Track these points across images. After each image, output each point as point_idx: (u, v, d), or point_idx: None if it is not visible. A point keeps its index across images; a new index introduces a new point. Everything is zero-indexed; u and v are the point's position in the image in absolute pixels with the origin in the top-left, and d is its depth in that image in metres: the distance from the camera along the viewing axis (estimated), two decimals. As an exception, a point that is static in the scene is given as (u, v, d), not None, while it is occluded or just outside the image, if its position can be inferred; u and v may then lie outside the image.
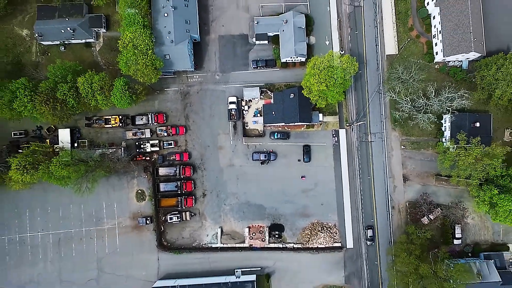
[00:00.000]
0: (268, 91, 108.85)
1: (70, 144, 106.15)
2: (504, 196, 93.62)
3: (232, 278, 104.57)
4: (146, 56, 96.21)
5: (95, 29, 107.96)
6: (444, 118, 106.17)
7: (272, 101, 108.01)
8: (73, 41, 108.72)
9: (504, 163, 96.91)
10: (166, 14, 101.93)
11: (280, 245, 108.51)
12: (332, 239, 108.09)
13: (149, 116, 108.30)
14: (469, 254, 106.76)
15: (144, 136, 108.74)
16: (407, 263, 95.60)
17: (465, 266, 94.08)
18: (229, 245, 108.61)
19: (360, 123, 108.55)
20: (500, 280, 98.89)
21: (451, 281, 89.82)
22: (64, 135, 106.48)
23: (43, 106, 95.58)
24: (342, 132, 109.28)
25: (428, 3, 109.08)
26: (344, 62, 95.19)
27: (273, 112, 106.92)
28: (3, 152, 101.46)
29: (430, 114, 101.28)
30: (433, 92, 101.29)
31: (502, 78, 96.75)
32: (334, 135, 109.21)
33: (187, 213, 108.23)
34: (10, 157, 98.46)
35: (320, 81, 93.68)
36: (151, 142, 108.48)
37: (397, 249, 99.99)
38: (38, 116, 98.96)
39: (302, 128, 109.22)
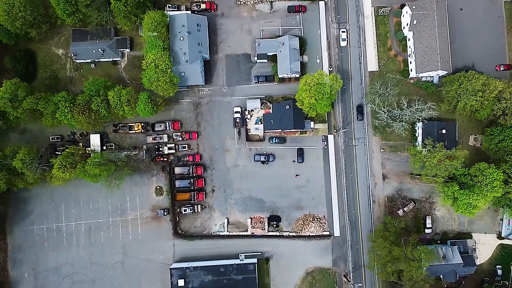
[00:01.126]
0: (268, 103, 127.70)
1: (100, 147, 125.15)
2: (464, 191, 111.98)
3: (236, 261, 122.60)
4: (165, 74, 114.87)
5: (121, 49, 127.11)
6: (417, 125, 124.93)
7: (271, 111, 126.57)
8: (102, 60, 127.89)
9: (463, 164, 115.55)
10: (182, 38, 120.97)
11: (278, 233, 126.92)
12: (321, 228, 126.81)
13: (167, 123, 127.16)
14: (438, 241, 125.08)
15: (162, 141, 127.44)
16: (382, 247, 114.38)
17: (428, 249, 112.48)
18: (234, 233, 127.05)
19: (345, 129, 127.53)
20: (462, 262, 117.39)
21: (418, 261, 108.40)
22: (95, 139, 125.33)
23: (81, 115, 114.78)
24: (330, 137, 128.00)
25: (404, 27, 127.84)
26: (330, 79, 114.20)
27: (272, 120, 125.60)
28: (46, 154, 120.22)
29: (404, 123, 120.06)
30: (406, 104, 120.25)
31: (463, 93, 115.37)
32: (324, 140, 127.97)
33: (199, 206, 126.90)
34: (52, 158, 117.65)
35: (311, 96, 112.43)
36: (168, 145, 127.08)
37: (376, 236, 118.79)
38: (75, 123, 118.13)
39: (296, 134, 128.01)
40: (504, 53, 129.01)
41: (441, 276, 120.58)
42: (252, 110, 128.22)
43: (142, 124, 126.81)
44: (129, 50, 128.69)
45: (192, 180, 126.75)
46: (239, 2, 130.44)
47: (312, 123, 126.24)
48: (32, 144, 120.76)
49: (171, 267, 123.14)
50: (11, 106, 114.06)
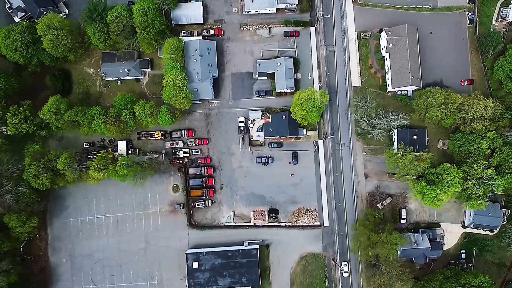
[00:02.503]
0: (267, 113, 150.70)
1: (126, 152, 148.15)
2: (430, 187, 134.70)
3: (241, 247, 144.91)
4: (182, 91, 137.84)
5: (143, 69, 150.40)
6: (393, 132, 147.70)
7: (270, 120, 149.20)
8: (127, 78, 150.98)
9: (431, 164, 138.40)
10: (195, 60, 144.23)
11: (276, 224, 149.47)
12: (313, 219, 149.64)
13: (182, 131, 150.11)
14: (412, 230, 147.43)
15: (178, 146, 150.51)
16: (363, 234, 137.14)
17: (400, 235, 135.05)
18: (239, 224, 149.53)
19: (333, 136, 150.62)
20: (430, 246, 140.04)
21: (391, 244, 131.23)
22: (121, 145, 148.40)
23: (112, 125, 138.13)
24: (320, 142, 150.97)
25: (382, 49, 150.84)
26: (319, 95, 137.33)
27: (271, 128, 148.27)
28: (81, 157, 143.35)
29: (381, 130, 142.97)
30: (382, 114, 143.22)
31: (429, 105, 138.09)
32: (315, 145, 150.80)
33: (209, 201, 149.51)
34: (88, 161, 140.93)
35: (303, 108, 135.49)
36: (183, 150, 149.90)
37: (358, 225, 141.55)
38: (107, 132, 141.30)
39: (292, 140, 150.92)
40: (468, 70, 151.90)
41: (413, 259, 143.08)
42: (254, 120, 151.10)
43: (162, 132, 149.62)
44: (150, 70, 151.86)
45: (203, 179, 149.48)
46: (242, 28, 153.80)
47: (304, 130, 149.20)
48: (71, 150, 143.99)
49: (186, 252, 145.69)
50: (54, 118, 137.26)
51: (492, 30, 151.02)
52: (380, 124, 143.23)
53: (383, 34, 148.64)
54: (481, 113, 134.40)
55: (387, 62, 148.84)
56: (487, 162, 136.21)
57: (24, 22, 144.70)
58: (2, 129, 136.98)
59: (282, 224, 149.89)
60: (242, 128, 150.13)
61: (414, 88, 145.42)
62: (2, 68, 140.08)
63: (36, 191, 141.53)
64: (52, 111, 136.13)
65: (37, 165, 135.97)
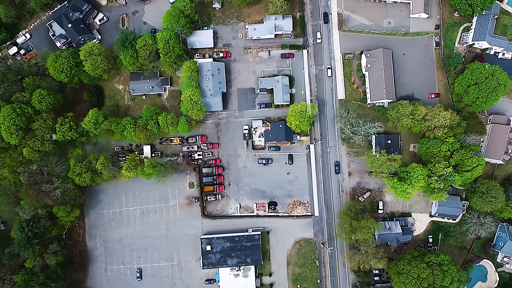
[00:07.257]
0: (267, 122, 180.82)
1: (150, 155, 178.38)
2: (400, 183, 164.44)
3: (246, 233, 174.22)
4: (197, 104, 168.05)
5: (164, 85, 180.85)
6: (372, 137, 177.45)
7: (269, 128, 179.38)
8: (151, 93, 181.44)
9: (403, 164, 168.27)
10: (207, 79, 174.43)
11: (275, 214, 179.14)
12: (305, 210, 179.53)
13: (197, 137, 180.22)
14: (387, 219, 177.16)
15: (193, 149, 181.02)
16: (346, 222, 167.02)
17: (374, 221, 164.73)
18: (244, 214, 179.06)
19: (321, 141, 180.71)
20: (401, 231, 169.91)
21: (367, 228, 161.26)
22: (146, 149, 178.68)
23: (140, 133, 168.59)
24: (311, 146, 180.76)
25: (362, 68, 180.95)
26: (309, 108, 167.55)
27: (270, 135, 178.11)
28: (114, 159, 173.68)
29: (361, 136, 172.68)
30: (361, 123, 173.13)
31: (400, 116, 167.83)
32: (307, 148, 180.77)
33: (219, 195, 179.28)
34: (121, 162, 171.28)
35: (296, 119, 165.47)
36: (197, 153, 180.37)
37: (342, 215, 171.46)
38: (135, 138, 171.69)
39: (287, 144, 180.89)
40: (435, 85, 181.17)
41: (388, 242, 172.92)
42: (256, 127, 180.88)
43: (180, 138, 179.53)
44: (169, 86, 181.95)
45: (214, 177, 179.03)
46: (246, 51, 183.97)
47: (298, 136, 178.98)
48: (105, 153, 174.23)
49: (201, 237, 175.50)
50: (93, 127, 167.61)
51: (454, 52, 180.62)
52: (360, 131, 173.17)
53: (363, 56, 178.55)
54: (441, 122, 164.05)
55: (366, 79, 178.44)
56: (447, 162, 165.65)
57: (67, 48, 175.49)
58: (52, 136, 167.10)
59: (280, 214, 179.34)
60: (246, 135, 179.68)
61: (389, 100, 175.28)
62: (50, 86, 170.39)
63: (77, 187, 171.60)
64: (92, 122, 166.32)
65: (80, 166, 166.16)
